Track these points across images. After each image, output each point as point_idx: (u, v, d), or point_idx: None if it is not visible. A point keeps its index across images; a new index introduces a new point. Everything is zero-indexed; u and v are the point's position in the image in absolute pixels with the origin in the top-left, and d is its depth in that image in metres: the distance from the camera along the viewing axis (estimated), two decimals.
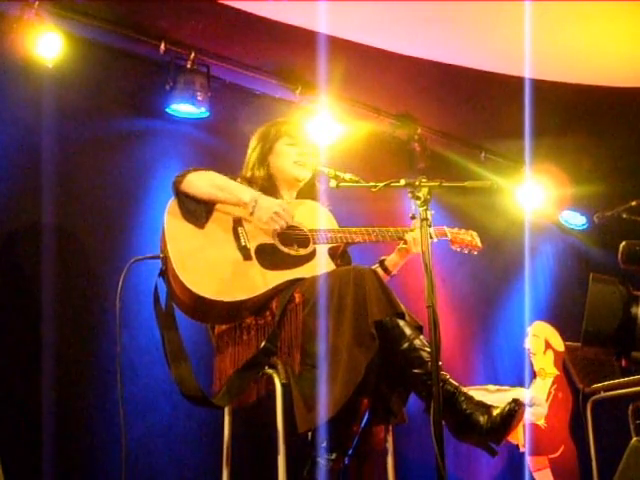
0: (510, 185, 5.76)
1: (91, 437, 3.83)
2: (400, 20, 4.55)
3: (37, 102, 3.95)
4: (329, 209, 3.36)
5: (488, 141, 5.74)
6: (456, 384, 2.77)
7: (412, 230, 3.24)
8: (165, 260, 2.98)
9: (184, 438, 4.08)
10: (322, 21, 4.34)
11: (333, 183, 3.05)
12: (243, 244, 3.02)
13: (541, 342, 5.26)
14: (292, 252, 3.09)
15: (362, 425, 2.97)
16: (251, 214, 3.01)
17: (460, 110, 5.43)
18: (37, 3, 3.95)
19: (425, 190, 2.75)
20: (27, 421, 3.58)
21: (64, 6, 4.06)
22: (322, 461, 2.88)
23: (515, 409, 2.65)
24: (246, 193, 3.06)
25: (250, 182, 3.26)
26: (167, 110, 4.49)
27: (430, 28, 4.63)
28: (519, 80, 4.83)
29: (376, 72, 4.91)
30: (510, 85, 4.93)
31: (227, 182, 3.11)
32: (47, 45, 3.97)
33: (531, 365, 5.31)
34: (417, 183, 2.77)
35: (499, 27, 4.62)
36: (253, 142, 3.39)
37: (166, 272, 2.98)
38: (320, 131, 4.75)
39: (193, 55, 4.45)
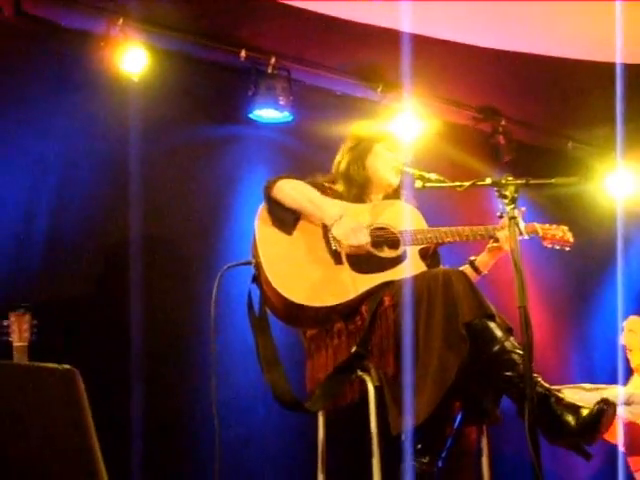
0: (600, 174, 5.61)
1: (186, 441, 3.92)
2: (481, 13, 4.48)
3: (124, 116, 4.05)
4: (417, 208, 3.34)
5: (575, 129, 5.62)
6: (547, 386, 2.73)
7: (503, 228, 3.20)
8: (257, 266, 3.02)
9: (279, 441, 4.14)
10: (401, 19, 4.31)
11: (419, 184, 3.03)
12: (334, 248, 3.05)
13: (637, 338, 5.09)
14: (383, 254, 3.09)
15: (455, 427, 2.95)
16: (331, 225, 3.02)
17: (545, 100, 5.32)
18: (122, 20, 4.06)
19: (512, 188, 2.72)
20: (121, 428, 3.67)
21: (147, 21, 4.15)
22: (415, 464, 2.88)
23: (604, 408, 2.60)
24: (334, 209, 3.07)
25: (348, 179, 3.27)
26: (250, 116, 4.54)
27: (512, 19, 4.55)
28: (608, 66, 4.70)
29: (457, 66, 4.85)
30: (597, 71, 4.81)
31: (318, 196, 3.12)
32: (133, 60, 4.08)
33: (627, 362, 5.15)
34: (503, 181, 2.73)
35: (588, 13, 4.51)
36: (349, 141, 3.37)
37: (259, 278, 3.03)
38: (403, 128, 4.73)
39: (273, 60, 4.49)
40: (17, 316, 3.49)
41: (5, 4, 3.92)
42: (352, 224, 3.01)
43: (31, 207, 3.92)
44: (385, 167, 3.29)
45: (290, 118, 4.56)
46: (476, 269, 3.27)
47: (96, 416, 2.05)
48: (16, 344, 3.44)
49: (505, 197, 2.71)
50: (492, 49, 4.71)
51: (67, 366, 2.05)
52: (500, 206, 2.75)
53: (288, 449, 4.14)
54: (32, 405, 1.97)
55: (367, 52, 4.68)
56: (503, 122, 5.29)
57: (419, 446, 2.88)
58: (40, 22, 4.06)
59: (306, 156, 4.50)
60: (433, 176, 3.05)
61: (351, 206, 3.17)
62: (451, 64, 4.82)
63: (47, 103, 3.97)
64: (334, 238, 3.04)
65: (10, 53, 3.97)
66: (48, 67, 4.03)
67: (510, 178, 2.74)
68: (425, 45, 4.53)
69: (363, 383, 2.88)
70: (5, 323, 3.48)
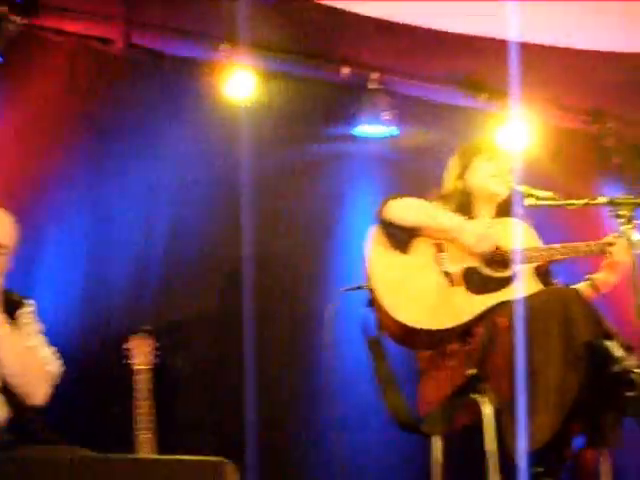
0: None
1: (301, 458, 4.01)
2: (587, 15, 4.40)
3: (233, 138, 4.12)
4: (531, 225, 3.30)
5: None
6: None
7: (614, 243, 3.12)
8: (371, 291, 3.05)
9: (392, 458, 4.16)
10: (504, 26, 4.25)
11: (530, 201, 3.01)
12: (447, 270, 3.05)
13: None
14: (496, 274, 3.07)
15: (574, 450, 2.91)
16: (456, 238, 3.04)
17: None
18: (226, 45, 4.15)
19: (629, 207, 2.66)
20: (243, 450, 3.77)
21: (251, 44, 4.21)
22: None
23: None
24: (452, 219, 3.10)
25: (447, 197, 3.28)
26: (355, 132, 4.57)
27: (620, 20, 4.44)
28: None
29: (565, 70, 4.75)
30: None
31: (431, 208, 3.15)
32: (239, 84, 4.18)
33: None
34: (619, 201, 2.68)
35: None
36: (452, 160, 3.40)
37: (373, 302, 3.05)
38: (511, 135, 4.67)
39: (375, 75, 4.50)
40: (138, 339, 3.63)
41: (117, 37, 4.07)
42: (478, 229, 3.06)
43: (148, 231, 4.07)
44: (484, 177, 3.27)
45: (396, 132, 4.56)
46: (595, 287, 3.20)
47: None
48: (137, 367, 3.58)
49: (621, 217, 2.65)
50: (600, 51, 4.60)
51: (219, 458, 2.08)
52: (616, 226, 2.69)
53: (403, 467, 4.15)
54: None
55: (469, 61, 4.63)
56: (612, 124, 5.15)
57: (539, 469, 2.84)
58: (149, 52, 4.19)
59: (413, 169, 4.48)
60: (544, 193, 3.01)
61: (466, 220, 3.17)
62: (558, 68, 4.73)
63: (159, 130, 4.12)
64: (447, 258, 3.04)
65: (123, 84, 4.12)
66: (158, 95, 4.16)
67: (625, 197, 2.67)
68: (531, 51, 4.46)
69: (478, 406, 2.86)
70: (126, 346, 3.62)
